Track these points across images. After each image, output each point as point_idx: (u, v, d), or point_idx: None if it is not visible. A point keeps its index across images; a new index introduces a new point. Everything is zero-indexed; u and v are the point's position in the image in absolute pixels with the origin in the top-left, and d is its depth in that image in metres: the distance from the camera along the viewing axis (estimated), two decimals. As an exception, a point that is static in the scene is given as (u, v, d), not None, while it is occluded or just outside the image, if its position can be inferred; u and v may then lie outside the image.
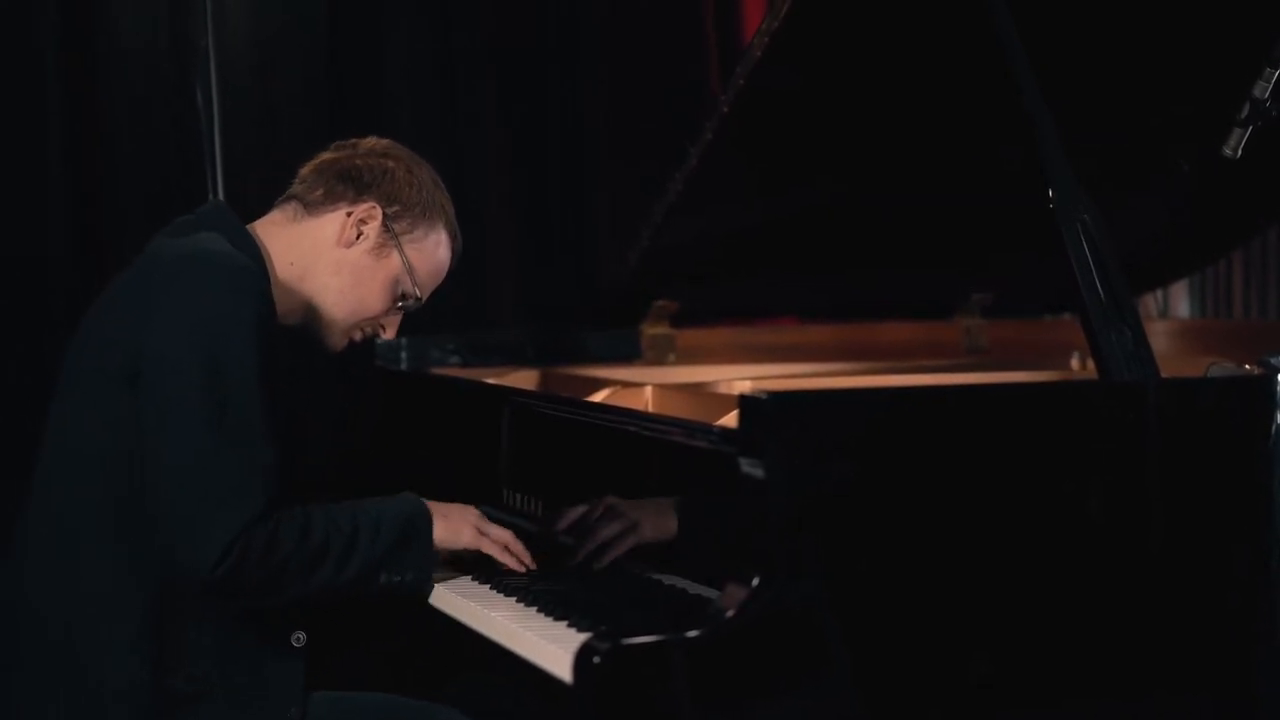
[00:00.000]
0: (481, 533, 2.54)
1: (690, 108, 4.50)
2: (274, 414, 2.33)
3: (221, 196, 3.47)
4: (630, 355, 3.76)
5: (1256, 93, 2.54)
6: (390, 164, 2.59)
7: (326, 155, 2.62)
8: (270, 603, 2.35)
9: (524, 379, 3.45)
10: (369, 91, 4.29)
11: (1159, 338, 4.00)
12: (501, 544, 2.55)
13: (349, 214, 2.55)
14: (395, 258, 2.57)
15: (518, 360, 3.64)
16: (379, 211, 2.55)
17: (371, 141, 2.63)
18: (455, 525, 2.51)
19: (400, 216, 2.57)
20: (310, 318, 2.57)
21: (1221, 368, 2.39)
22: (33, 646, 2.39)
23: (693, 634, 2.06)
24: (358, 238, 2.55)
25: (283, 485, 2.32)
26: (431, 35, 4.39)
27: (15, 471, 2.63)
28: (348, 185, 2.56)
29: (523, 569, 2.55)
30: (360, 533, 2.37)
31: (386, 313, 2.61)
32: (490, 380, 3.27)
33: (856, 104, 3.25)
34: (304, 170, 2.62)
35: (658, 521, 2.43)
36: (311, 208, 2.57)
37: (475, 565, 2.60)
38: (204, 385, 2.27)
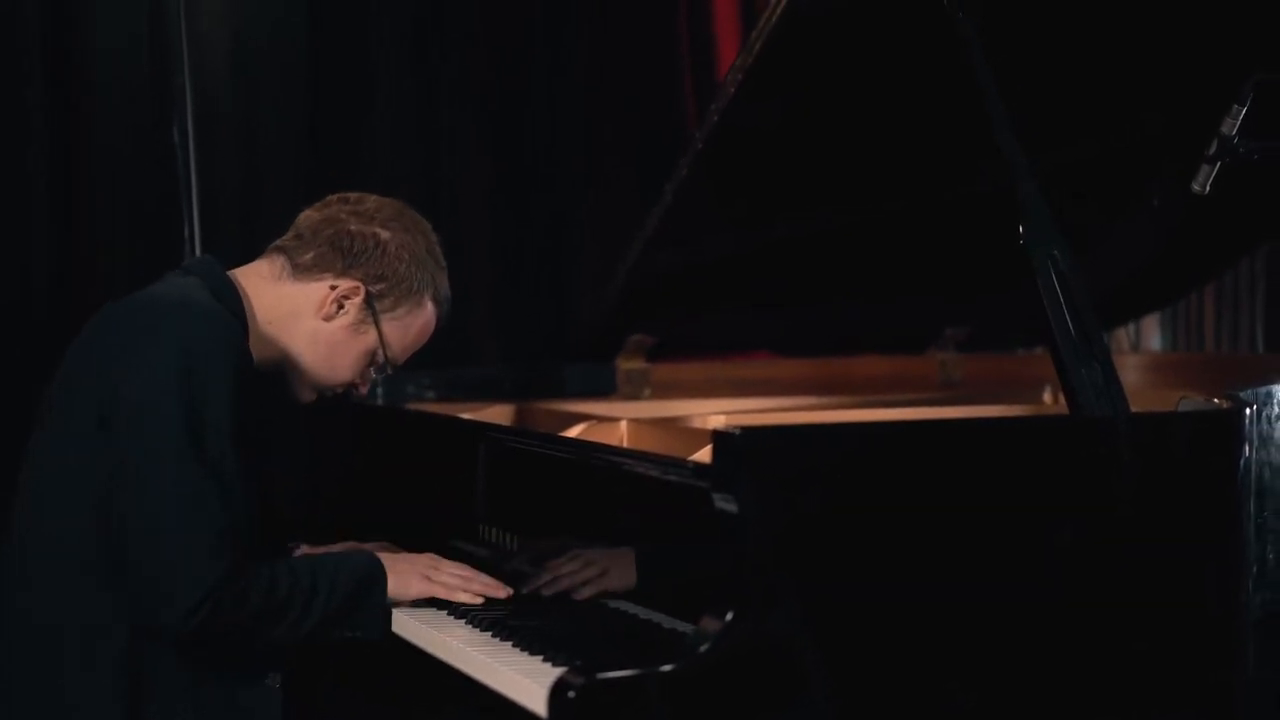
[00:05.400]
0: (432, 580, 2.54)
1: (667, 144, 4.52)
2: (246, 462, 2.34)
3: (199, 230, 3.46)
4: (605, 390, 3.76)
5: (1225, 130, 2.56)
6: (385, 236, 2.57)
7: (327, 211, 2.60)
8: (237, 644, 2.38)
9: (499, 414, 3.45)
10: (349, 126, 4.29)
11: (1130, 371, 4.01)
12: (456, 583, 2.55)
13: (333, 287, 2.55)
14: (373, 334, 2.58)
15: (493, 395, 3.63)
16: (362, 290, 2.55)
17: (374, 203, 2.62)
18: (404, 579, 2.53)
19: (385, 295, 2.57)
20: (282, 372, 2.58)
21: (1191, 401, 2.40)
22: (9, 679, 2.39)
23: (668, 668, 2.06)
24: (338, 311, 2.56)
25: (254, 530, 2.35)
26: (413, 69, 4.39)
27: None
28: (337, 255, 2.56)
29: (481, 602, 2.54)
30: (318, 590, 2.41)
31: (359, 376, 2.63)
32: (466, 415, 3.27)
33: (830, 139, 3.27)
34: (300, 220, 2.61)
35: (632, 556, 2.43)
36: (298, 271, 2.57)
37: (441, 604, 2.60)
38: (177, 437, 2.29)
